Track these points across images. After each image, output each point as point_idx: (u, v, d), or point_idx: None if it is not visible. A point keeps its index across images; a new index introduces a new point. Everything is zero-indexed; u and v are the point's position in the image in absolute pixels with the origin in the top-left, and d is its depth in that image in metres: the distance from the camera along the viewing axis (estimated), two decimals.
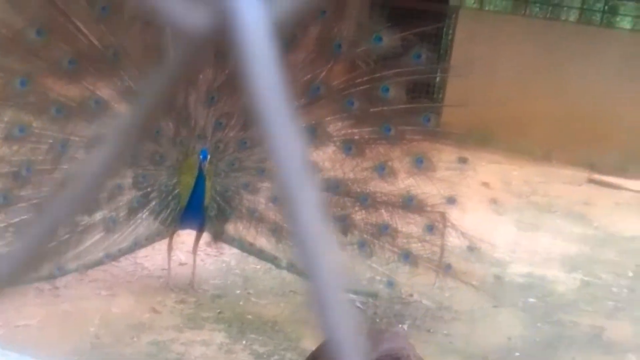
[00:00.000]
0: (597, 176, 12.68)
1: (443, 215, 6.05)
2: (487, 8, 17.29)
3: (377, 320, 6.25)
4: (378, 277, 6.41)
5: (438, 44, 14.43)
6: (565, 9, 17.95)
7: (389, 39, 5.85)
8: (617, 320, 6.87)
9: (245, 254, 6.52)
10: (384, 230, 6.04)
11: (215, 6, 0.49)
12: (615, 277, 7.99)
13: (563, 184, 12.18)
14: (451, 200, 6.11)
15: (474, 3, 17.50)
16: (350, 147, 6.04)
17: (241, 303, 6.27)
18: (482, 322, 6.45)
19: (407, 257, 6.07)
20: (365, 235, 6.08)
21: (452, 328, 6.28)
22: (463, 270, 6.36)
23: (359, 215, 6.10)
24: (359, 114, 6.11)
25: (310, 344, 5.43)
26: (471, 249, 6.30)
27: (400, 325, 6.19)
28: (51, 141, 5.74)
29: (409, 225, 6.07)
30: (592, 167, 13.04)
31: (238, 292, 6.45)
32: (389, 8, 14.63)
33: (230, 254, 6.80)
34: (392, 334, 5.47)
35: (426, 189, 6.00)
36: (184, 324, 5.79)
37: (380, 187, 6.04)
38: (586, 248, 8.89)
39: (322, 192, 6.08)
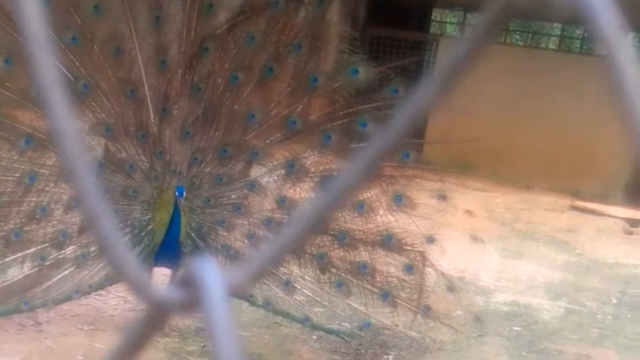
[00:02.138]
0: (579, 203, 12.74)
1: (422, 255, 5.94)
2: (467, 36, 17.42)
3: (362, 351, 6.21)
4: (355, 318, 6.30)
5: (419, 74, 14.51)
6: (545, 37, 18.11)
7: (366, 72, 5.79)
8: (602, 348, 6.86)
9: None
10: (362, 269, 5.91)
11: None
12: (599, 305, 7.99)
13: (546, 211, 12.23)
14: (430, 240, 5.98)
15: (454, 31, 17.63)
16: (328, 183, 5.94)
17: None
18: (467, 352, 6.42)
19: (387, 296, 5.94)
20: (343, 274, 5.96)
21: (438, 358, 6.24)
22: (445, 305, 6.33)
23: (337, 254, 5.97)
24: (336, 149, 5.99)
25: None
26: (451, 288, 6.24)
27: (385, 357, 6.15)
28: (18, 174, 5.63)
29: (388, 265, 5.96)
30: (574, 194, 13.10)
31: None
32: (369, 37, 14.77)
33: None
34: None
35: (405, 226, 5.93)
36: (168, 357, 5.72)
37: (358, 224, 5.94)
38: (570, 275, 8.90)
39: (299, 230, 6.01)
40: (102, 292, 6.26)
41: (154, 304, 0.59)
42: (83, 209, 0.57)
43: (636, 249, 10.47)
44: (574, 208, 12.66)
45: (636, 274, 9.33)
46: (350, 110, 5.91)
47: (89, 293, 6.09)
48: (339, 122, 5.94)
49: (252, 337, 6.17)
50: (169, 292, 0.59)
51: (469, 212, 10.67)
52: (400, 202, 5.88)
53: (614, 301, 8.17)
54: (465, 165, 11.98)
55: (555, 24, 17.58)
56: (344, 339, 6.26)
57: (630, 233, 11.72)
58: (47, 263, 5.71)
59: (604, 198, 12.89)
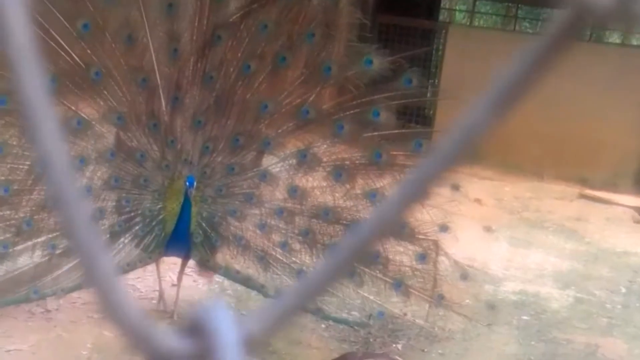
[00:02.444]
0: (588, 191, 12.70)
1: (436, 244, 5.92)
2: (476, 24, 17.38)
3: (371, 340, 6.22)
4: (368, 307, 6.29)
5: (428, 62, 14.47)
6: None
7: (380, 62, 5.74)
8: (611, 337, 6.85)
9: None
10: (375, 259, 5.87)
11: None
12: (608, 294, 7.97)
13: (555, 199, 12.19)
14: (444, 228, 5.96)
15: (463, 19, 17.57)
16: (341, 173, 5.90)
17: None
18: (476, 341, 6.42)
19: (399, 286, 5.93)
20: (355, 264, 5.99)
21: (447, 347, 6.25)
22: (456, 294, 6.33)
23: None
24: (349, 138, 5.98)
25: None
26: (464, 277, 6.23)
27: (394, 345, 6.16)
28: (29, 163, 5.59)
29: (401, 254, 5.93)
30: (583, 182, 13.06)
31: (231, 313, 6.41)
32: (378, 25, 14.72)
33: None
34: (383, 356, 5.46)
35: (418, 216, 5.93)
36: None
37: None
38: (579, 264, 8.88)
39: (311, 220, 6.01)
40: None
41: (159, 356, 0.52)
42: (74, 246, 0.50)
43: None
44: (583, 196, 12.62)
45: None
46: (363, 100, 5.88)
47: None
48: (351, 112, 5.91)
49: None
50: (177, 342, 0.52)
51: (477, 201, 10.65)
52: None
53: (623, 290, 8.15)
54: (474, 153, 11.96)
55: None
56: (354, 328, 6.26)
57: (639, 222, 11.68)
58: (57, 252, 5.69)
59: (613, 186, 12.84)
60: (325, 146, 6.02)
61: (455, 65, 13.68)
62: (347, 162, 5.96)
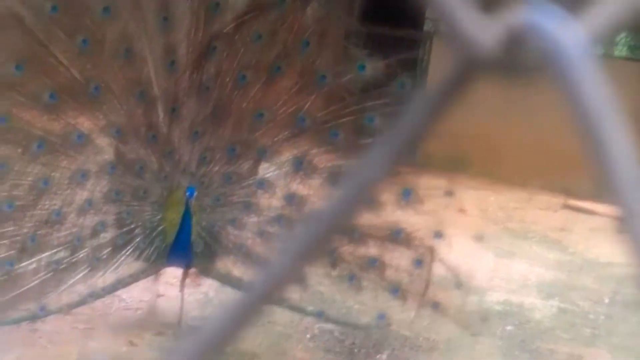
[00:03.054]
0: (572, 202, 12.75)
1: (431, 249, 5.96)
2: None
3: (355, 350, 6.22)
4: (368, 311, 6.29)
5: (413, 71, 14.51)
6: None
7: (373, 68, 5.83)
8: (595, 348, 6.88)
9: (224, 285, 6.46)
10: (372, 264, 5.94)
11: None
12: (592, 304, 8.00)
13: (539, 209, 12.24)
14: (438, 234, 6.02)
15: None
16: (337, 180, 5.93)
17: None
18: (460, 351, 6.44)
19: (397, 291, 5.97)
20: (353, 269, 5.99)
21: (431, 358, 6.27)
22: (447, 302, 6.35)
23: (347, 249, 5.98)
24: (344, 145, 6.03)
25: None
26: (458, 284, 6.24)
27: (378, 356, 6.17)
28: (32, 178, 5.64)
29: (398, 259, 5.98)
30: (568, 192, 13.10)
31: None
32: (365, 35, 14.73)
33: (208, 284, 6.74)
34: None
35: (413, 221, 5.95)
36: (163, 357, 5.73)
37: (367, 219, 5.97)
38: (562, 274, 8.92)
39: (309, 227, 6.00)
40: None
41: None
42: None
43: None
44: (567, 207, 12.67)
45: (629, 274, 9.35)
46: (357, 106, 5.95)
47: (102, 296, 6.08)
48: (345, 119, 5.97)
49: (247, 337, 6.18)
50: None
51: (462, 211, 10.68)
52: (408, 196, 5.86)
53: (607, 301, 8.18)
54: (459, 162, 11.99)
55: None
56: (344, 332, 6.27)
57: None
58: (61, 267, 5.72)
59: (597, 197, 12.89)
60: (321, 153, 6.06)
61: (440, 74, 13.68)
62: (344, 169, 6.00)
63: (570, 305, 7.91)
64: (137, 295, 6.52)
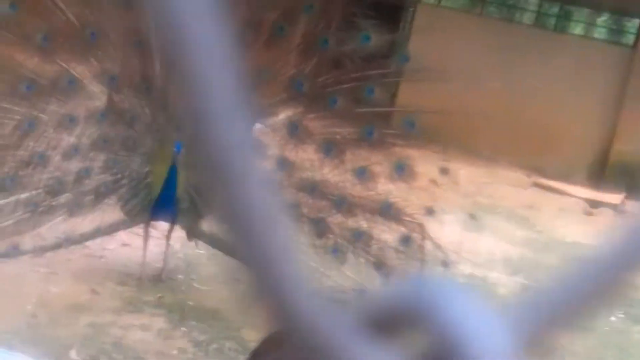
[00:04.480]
0: (542, 180, 12.83)
1: (421, 226, 5.88)
2: (444, 4, 17.35)
3: None
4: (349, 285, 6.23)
5: (395, 39, 14.42)
6: (520, 10, 18.08)
7: (377, 39, 5.70)
8: None
9: None
10: (359, 237, 5.84)
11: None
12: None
13: (508, 186, 12.29)
14: (430, 211, 5.99)
15: None
16: (331, 148, 5.84)
17: (183, 289, 6.17)
18: None
19: (381, 267, 5.86)
20: (339, 240, 5.88)
21: None
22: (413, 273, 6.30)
23: (335, 219, 5.90)
24: (342, 113, 5.93)
25: (250, 334, 5.36)
26: (446, 264, 6.17)
27: None
28: (18, 117, 5.54)
29: (385, 234, 5.89)
30: (538, 171, 13.17)
31: (181, 277, 6.35)
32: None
33: (175, 237, 6.66)
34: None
35: (405, 197, 5.87)
36: (124, 307, 5.66)
37: (358, 191, 5.86)
38: (528, 252, 8.97)
39: (298, 193, 5.95)
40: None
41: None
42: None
43: (595, 229, 10.57)
44: (537, 185, 12.74)
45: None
46: (358, 75, 5.84)
47: (79, 242, 6.02)
48: (345, 86, 5.86)
49: (211, 292, 6.13)
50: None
51: (433, 182, 10.66)
52: (402, 171, 5.79)
53: None
54: (433, 135, 11.97)
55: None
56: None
57: (590, 214, 11.82)
58: (40, 209, 5.64)
59: (567, 177, 12.98)
60: (317, 119, 5.97)
61: (421, 43, 13.64)
62: (338, 137, 5.90)
63: (535, 282, 7.93)
64: (100, 242, 6.42)
